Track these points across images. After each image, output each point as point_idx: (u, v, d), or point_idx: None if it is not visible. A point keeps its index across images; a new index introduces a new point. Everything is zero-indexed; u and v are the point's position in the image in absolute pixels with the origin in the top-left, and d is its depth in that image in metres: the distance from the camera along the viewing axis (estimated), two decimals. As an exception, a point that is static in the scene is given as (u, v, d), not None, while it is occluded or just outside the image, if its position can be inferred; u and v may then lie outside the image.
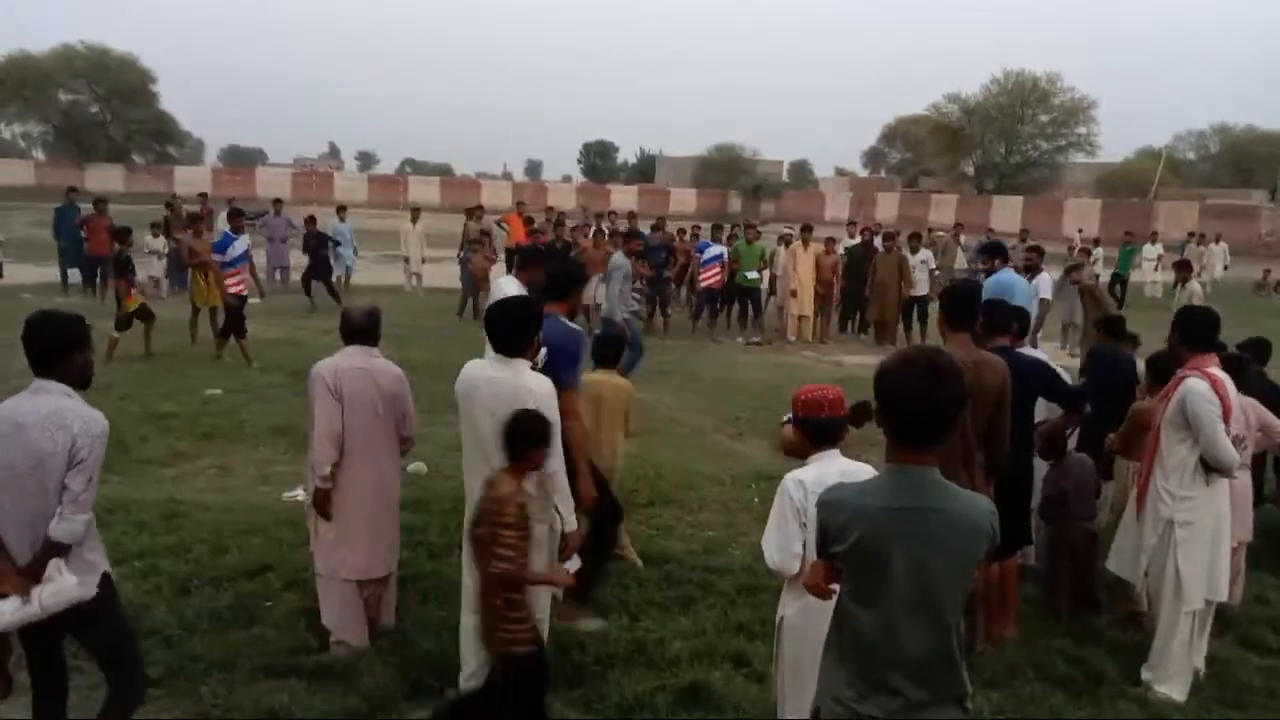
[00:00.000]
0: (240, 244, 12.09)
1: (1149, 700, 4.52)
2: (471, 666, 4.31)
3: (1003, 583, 5.01)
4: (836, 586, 2.69)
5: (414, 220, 19.62)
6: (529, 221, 18.06)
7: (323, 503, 4.64)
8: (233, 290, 11.82)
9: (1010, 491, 4.81)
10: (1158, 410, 4.79)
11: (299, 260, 18.43)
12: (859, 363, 13.20)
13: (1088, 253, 17.35)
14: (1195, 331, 4.72)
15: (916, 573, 2.46)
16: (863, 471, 3.36)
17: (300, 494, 6.03)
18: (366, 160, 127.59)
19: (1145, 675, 4.66)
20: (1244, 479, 5.21)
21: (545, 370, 4.52)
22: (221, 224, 15.27)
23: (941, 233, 21.68)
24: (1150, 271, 23.50)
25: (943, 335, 4.88)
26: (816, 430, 3.55)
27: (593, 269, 14.39)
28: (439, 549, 5.89)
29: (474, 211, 18.94)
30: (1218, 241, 25.03)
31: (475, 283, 16.25)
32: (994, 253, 8.76)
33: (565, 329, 4.89)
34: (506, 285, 6.53)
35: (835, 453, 3.55)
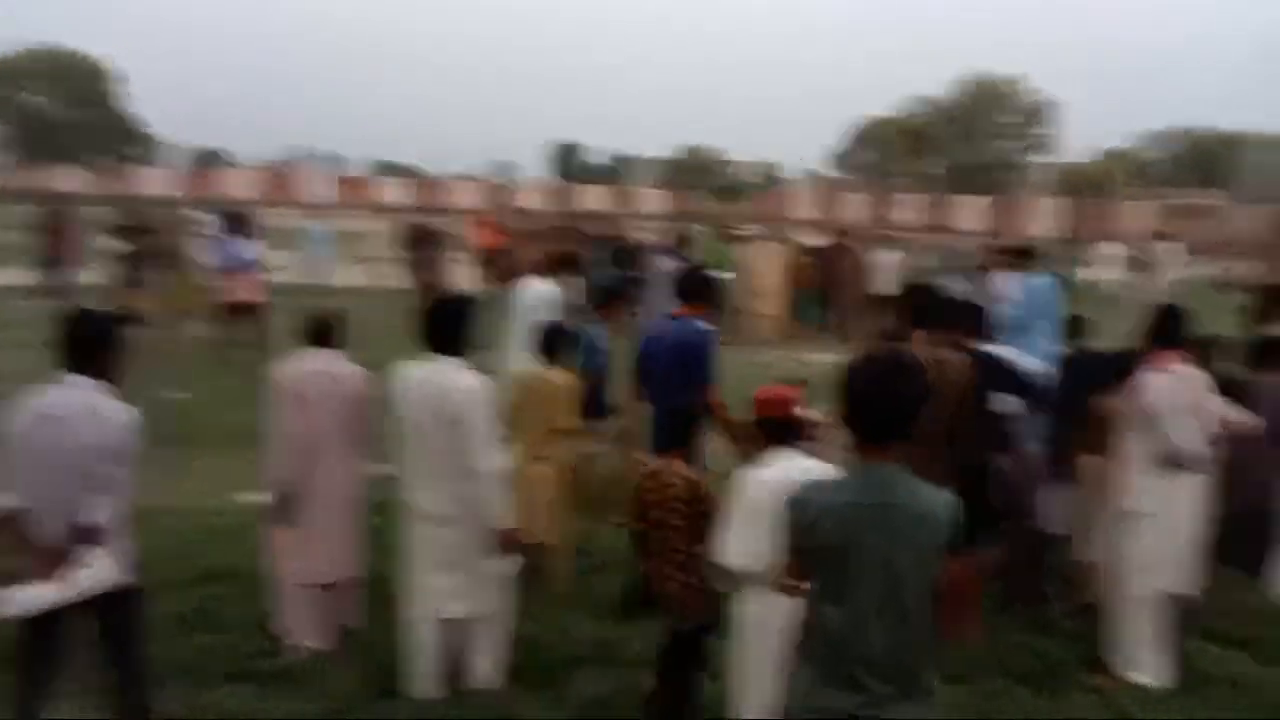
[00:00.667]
0: (247, 249, 11.80)
1: (1104, 689, 4.59)
2: (423, 665, 4.32)
3: (967, 578, 5.05)
4: (804, 585, 2.71)
5: (383, 222, 19.52)
6: (493, 225, 17.99)
7: (283, 508, 4.61)
8: (240, 298, 11.54)
9: (975, 487, 4.86)
10: (1121, 405, 4.86)
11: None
12: (823, 360, 13.25)
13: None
14: (1161, 327, 4.82)
15: (884, 568, 2.49)
16: (822, 469, 3.39)
17: (261, 498, 5.97)
18: (335, 162, 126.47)
19: (1113, 661, 4.73)
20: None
21: (677, 374, 4.92)
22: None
23: (896, 234, 21.82)
24: (1111, 270, 23.83)
25: (905, 334, 4.94)
26: (776, 430, 3.59)
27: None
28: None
29: (427, 213, 18.86)
30: (1173, 241, 25.35)
31: (423, 287, 16.04)
32: (1023, 256, 8.49)
33: (699, 330, 5.11)
34: (539, 286, 6.82)
35: (794, 451, 3.59)
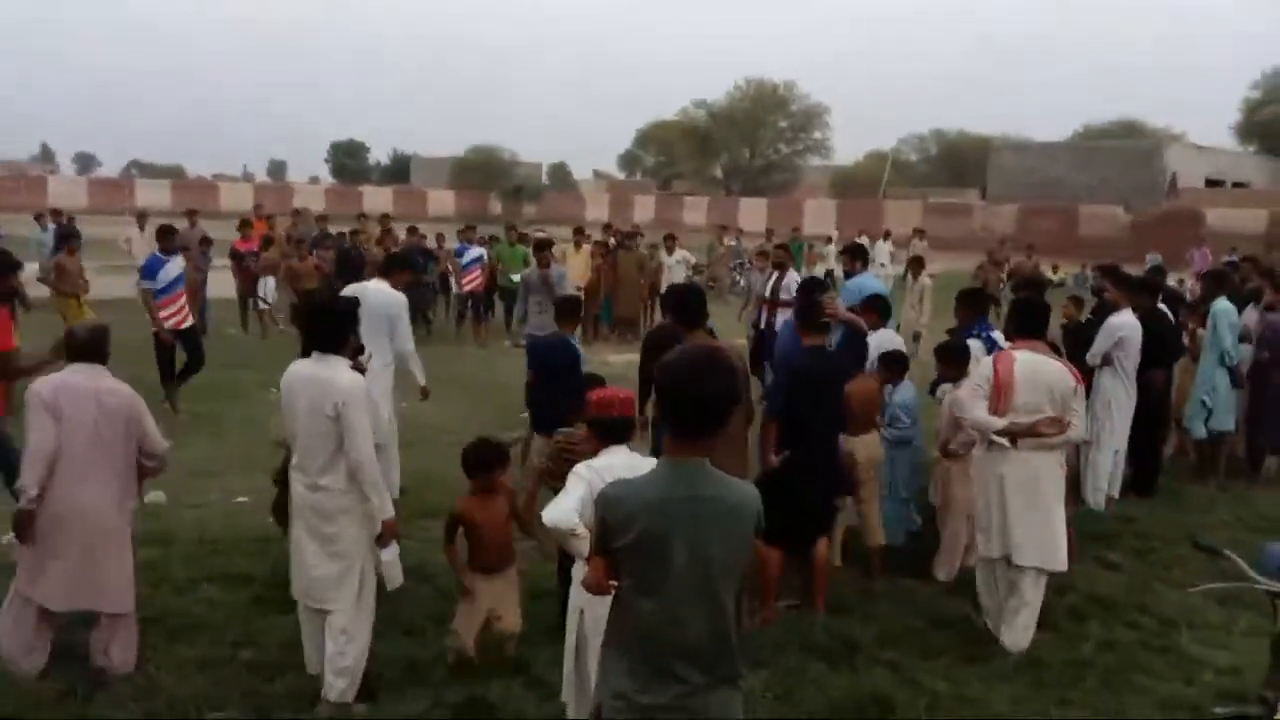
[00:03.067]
0: (174, 267, 9.99)
1: (902, 665, 4.86)
2: (308, 648, 4.39)
3: (769, 563, 5.24)
4: (614, 582, 2.70)
5: (141, 226, 18.07)
6: (246, 224, 16.99)
7: (25, 524, 4.30)
8: (169, 324, 9.71)
9: (813, 476, 5.19)
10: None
11: None
12: (625, 361, 13.44)
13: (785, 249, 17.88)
14: (1017, 316, 5.36)
15: (695, 559, 2.55)
16: (647, 463, 3.50)
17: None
18: (86, 162, 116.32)
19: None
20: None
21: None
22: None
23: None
24: (882, 266, 25.50)
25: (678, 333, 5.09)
26: (608, 429, 3.72)
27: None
28: (184, 584, 5.48)
29: (191, 216, 17.69)
30: (886, 238, 27.18)
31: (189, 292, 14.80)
32: (855, 255, 8.73)
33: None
34: (376, 288, 6.64)
35: (623, 448, 3.71)
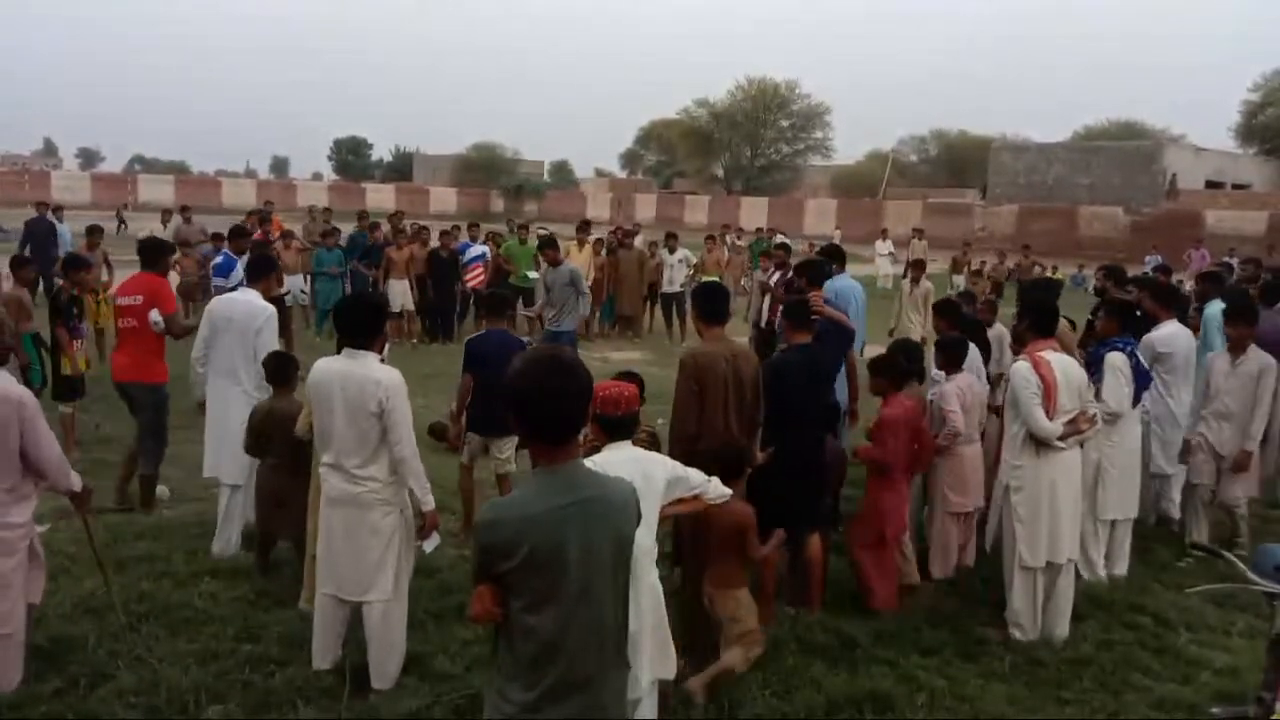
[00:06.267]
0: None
1: (899, 663, 4.88)
2: (320, 640, 4.49)
3: (769, 561, 5.26)
4: (500, 611, 2.59)
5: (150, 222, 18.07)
6: (266, 220, 16.73)
7: None
8: None
9: (804, 474, 5.20)
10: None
11: None
12: (624, 358, 13.46)
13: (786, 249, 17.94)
14: (1035, 316, 5.35)
15: (588, 559, 2.53)
16: (650, 459, 3.63)
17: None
18: (89, 158, 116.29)
19: (1007, 617, 5.25)
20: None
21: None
22: None
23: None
24: (883, 266, 25.53)
25: (699, 331, 5.10)
26: (613, 425, 3.71)
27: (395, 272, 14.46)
28: (186, 578, 5.49)
29: (184, 212, 17.57)
30: (884, 238, 27.16)
31: (186, 295, 14.21)
32: (832, 257, 8.80)
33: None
34: (246, 294, 6.29)
35: (627, 443, 3.71)
